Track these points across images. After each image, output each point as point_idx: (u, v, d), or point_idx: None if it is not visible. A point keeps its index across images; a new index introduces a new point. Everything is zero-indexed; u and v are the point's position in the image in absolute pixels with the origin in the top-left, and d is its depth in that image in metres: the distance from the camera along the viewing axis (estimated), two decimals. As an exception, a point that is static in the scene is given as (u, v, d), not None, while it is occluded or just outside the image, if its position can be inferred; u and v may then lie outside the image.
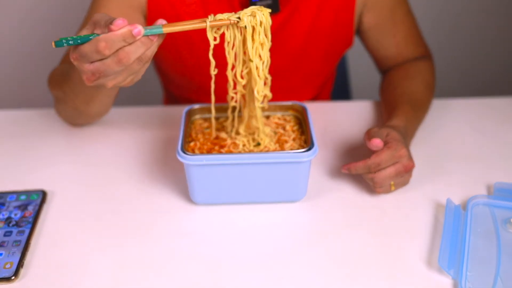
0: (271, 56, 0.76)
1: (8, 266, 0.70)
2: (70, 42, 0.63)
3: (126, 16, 0.92)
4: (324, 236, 0.77)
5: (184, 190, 0.84)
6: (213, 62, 0.74)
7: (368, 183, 0.83)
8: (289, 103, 0.87)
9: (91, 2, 0.96)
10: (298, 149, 0.79)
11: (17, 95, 1.91)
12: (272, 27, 0.74)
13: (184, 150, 0.75)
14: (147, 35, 0.65)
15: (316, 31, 1.00)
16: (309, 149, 0.75)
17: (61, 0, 1.74)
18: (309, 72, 1.07)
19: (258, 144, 0.81)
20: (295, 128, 0.85)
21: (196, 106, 0.87)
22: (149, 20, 0.96)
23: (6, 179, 0.88)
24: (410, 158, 0.80)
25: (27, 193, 0.83)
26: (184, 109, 0.86)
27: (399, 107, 0.92)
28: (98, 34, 0.64)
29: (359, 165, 0.80)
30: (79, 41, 0.63)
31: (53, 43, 0.63)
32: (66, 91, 0.88)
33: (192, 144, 0.81)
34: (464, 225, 0.76)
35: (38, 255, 0.74)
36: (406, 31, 1.05)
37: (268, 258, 0.73)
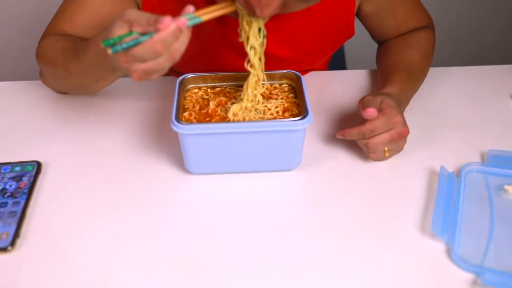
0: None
1: (4, 236, 0.71)
2: (124, 46, 0.62)
3: (120, 5, 0.90)
4: (319, 203, 0.77)
5: (179, 160, 0.84)
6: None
7: (363, 150, 0.83)
8: (283, 71, 0.87)
9: None
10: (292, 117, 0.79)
11: (9, 67, 1.89)
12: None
13: (178, 119, 0.75)
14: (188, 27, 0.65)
15: (312, 25, 0.95)
16: (303, 117, 0.75)
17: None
18: (307, 61, 1.03)
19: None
20: (290, 96, 0.84)
21: (190, 75, 0.86)
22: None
23: (0, 151, 0.87)
24: (404, 124, 0.80)
25: (22, 164, 0.83)
26: (177, 78, 0.85)
27: (395, 75, 0.92)
28: (138, 33, 0.63)
29: (353, 131, 0.80)
30: (132, 44, 0.62)
31: (109, 50, 0.62)
32: (72, 71, 0.85)
33: (186, 114, 0.81)
34: (458, 192, 0.76)
35: (34, 226, 0.74)
36: (406, 11, 1.01)
37: (263, 226, 0.74)
